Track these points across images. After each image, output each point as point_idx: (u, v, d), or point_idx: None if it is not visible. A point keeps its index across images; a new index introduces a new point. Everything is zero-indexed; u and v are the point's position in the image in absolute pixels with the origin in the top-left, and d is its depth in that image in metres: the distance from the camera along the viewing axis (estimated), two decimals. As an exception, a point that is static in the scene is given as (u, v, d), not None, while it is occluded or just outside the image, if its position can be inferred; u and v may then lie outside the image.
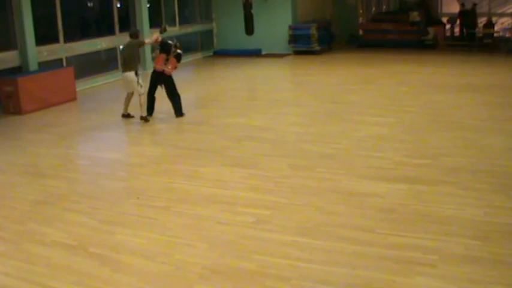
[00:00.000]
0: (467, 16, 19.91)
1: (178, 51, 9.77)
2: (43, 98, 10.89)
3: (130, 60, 9.49)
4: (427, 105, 10.11)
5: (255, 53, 17.77)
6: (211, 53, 18.51)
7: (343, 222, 5.19)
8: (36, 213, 5.76)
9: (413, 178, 6.25)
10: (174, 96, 9.65)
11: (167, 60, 9.54)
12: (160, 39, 9.79)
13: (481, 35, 19.38)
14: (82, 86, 12.76)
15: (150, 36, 9.68)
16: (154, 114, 9.83)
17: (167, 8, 16.49)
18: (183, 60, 17.12)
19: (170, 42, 9.75)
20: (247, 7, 15.09)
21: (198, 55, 18.14)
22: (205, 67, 16.65)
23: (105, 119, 10.12)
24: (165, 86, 9.55)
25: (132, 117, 9.68)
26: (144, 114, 9.48)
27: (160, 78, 9.54)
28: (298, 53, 17.65)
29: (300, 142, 7.99)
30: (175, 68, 9.70)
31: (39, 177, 6.93)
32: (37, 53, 11.55)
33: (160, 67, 9.54)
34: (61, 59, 12.54)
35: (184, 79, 15.13)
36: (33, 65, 11.37)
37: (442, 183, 6.08)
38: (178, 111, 9.69)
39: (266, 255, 4.59)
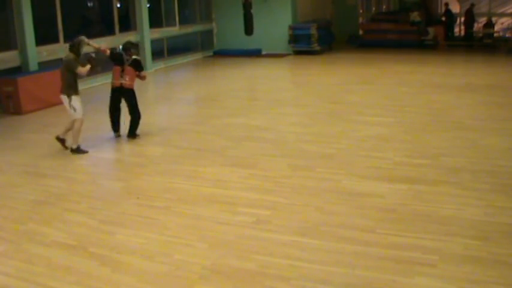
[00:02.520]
0: (451, 17, 20.06)
1: (134, 57, 8.44)
2: (43, 98, 10.88)
3: (62, 80, 7.84)
4: (427, 105, 10.11)
5: (255, 53, 17.77)
6: (211, 53, 18.52)
7: (343, 222, 5.19)
8: (36, 213, 5.76)
9: (413, 178, 6.25)
10: (133, 113, 8.47)
11: (123, 71, 8.28)
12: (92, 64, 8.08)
13: (480, 35, 19.43)
14: (82, 86, 12.74)
15: (84, 65, 7.86)
16: (154, 117, 9.83)
17: (167, 8, 16.49)
18: (183, 60, 17.34)
19: (119, 51, 8.27)
20: (247, 7, 15.09)
21: (198, 55, 18.15)
22: (205, 67, 16.66)
23: (105, 119, 10.10)
24: (125, 101, 8.44)
25: (64, 144, 7.98)
26: (75, 146, 7.81)
27: (121, 94, 8.40)
28: (298, 53, 17.65)
29: (300, 142, 7.98)
30: (137, 77, 8.45)
31: (39, 177, 6.93)
32: (37, 53, 11.56)
33: (116, 82, 8.35)
34: (61, 59, 12.52)
35: (184, 79, 15.16)
36: (33, 65, 11.38)
37: (442, 183, 6.08)
38: (131, 132, 8.45)
39: (266, 255, 4.59)
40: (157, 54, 15.96)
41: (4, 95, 10.62)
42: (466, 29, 19.98)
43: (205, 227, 5.23)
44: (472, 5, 19.86)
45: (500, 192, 5.75)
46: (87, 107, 11.37)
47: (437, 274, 4.19)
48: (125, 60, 8.32)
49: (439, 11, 22.73)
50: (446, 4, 20.36)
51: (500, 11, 24.04)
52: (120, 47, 8.37)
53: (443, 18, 20.47)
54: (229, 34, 18.31)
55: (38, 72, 11.30)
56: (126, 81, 8.29)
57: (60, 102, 10.14)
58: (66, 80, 7.72)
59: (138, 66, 8.44)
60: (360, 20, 22.00)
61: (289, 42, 17.66)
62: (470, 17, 19.67)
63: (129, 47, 8.46)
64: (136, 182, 6.65)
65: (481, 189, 5.84)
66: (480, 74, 13.87)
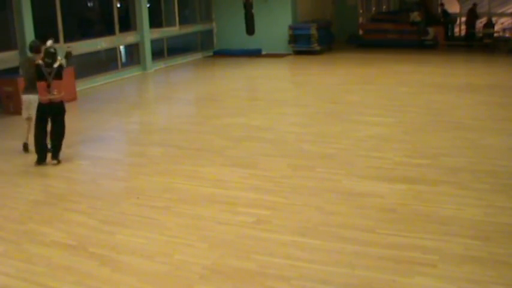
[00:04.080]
0: (447, 16, 20.10)
1: (57, 64, 7.15)
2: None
3: (33, 80, 7.42)
4: (427, 105, 10.11)
5: (255, 53, 17.77)
6: (211, 53, 18.52)
7: (343, 222, 5.19)
8: (36, 213, 5.77)
9: (413, 178, 6.25)
10: (60, 134, 7.31)
11: (49, 86, 7.14)
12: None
13: (480, 35, 19.43)
14: (82, 86, 12.76)
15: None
16: (154, 117, 9.79)
17: (167, 8, 16.50)
18: (183, 60, 17.33)
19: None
20: (248, 7, 15.09)
21: (198, 55, 18.14)
22: (205, 67, 16.66)
23: (105, 119, 10.12)
24: (55, 118, 7.25)
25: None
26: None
27: (51, 111, 7.22)
28: (298, 53, 17.64)
29: (300, 142, 7.99)
30: (62, 89, 7.25)
31: (39, 177, 6.93)
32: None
33: (44, 98, 7.15)
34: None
35: (184, 79, 15.17)
36: (33, 65, 11.36)
37: (442, 183, 6.08)
38: (55, 155, 7.28)
39: (266, 255, 4.59)
40: (157, 54, 15.97)
41: (4, 95, 10.62)
42: (467, 28, 19.94)
43: (205, 227, 5.23)
44: (475, 4, 19.83)
45: (500, 192, 5.75)
46: (86, 106, 11.41)
47: (437, 274, 4.19)
48: (46, 73, 7.14)
49: (439, 10, 22.71)
50: (442, 4, 20.39)
51: (500, 11, 24.02)
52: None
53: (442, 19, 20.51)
54: (229, 34, 18.31)
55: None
56: (54, 95, 7.20)
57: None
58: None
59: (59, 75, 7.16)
60: (360, 20, 21.98)
61: (289, 42, 17.65)
62: (472, 16, 19.64)
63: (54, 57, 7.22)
64: (136, 182, 6.64)
65: (481, 189, 5.84)
66: (480, 74, 13.86)
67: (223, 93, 12.57)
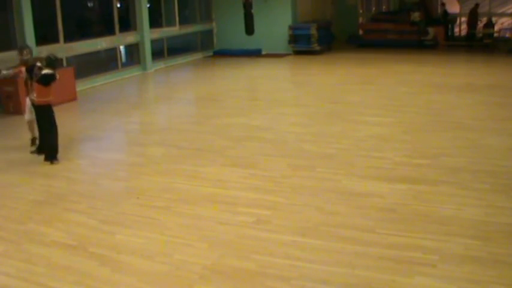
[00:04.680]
0: (446, 15, 20.16)
1: (44, 71, 7.22)
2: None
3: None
4: (427, 105, 10.11)
5: (255, 53, 17.77)
6: (211, 53, 18.52)
7: (343, 222, 5.19)
8: (36, 213, 5.76)
9: (413, 178, 6.25)
10: (48, 133, 7.43)
11: (31, 86, 7.52)
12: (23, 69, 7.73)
13: (480, 35, 19.44)
14: (82, 86, 12.77)
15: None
16: (154, 117, 9.79)
17: (167, 8, 16.50)
18: (183, 60, 17.34)
19: (38, 64, 7.35)
20: (248, 7, 15.10)
21: (198, 55, 18.15)
22: (205, 67, 16.66)
23: (105, 119, 10.12)
24: (40, 120, 7.52)
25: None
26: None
27: (36, 111, 7.49)
28: (298, 53, 17.65)
29: (300, 142, 7.99)
30: (45, 94, 7.29)
31: (39, 177, 6.93)
32: (37, 53, 11.53)
33: (31, 97, 7.56)
34: (61, 59, 12.54)
35: (184, 79, 15.16)
36: (33, 65, 11.36)
37: (442, 183, 6.08)
38: (47, 156, 7.41)
39: (266, 255, 4.60)
40: (157, 54, 15.97)
41: (4, 95, 10.63)
42: (469, 28, 19.94)
43: (205, 227, 5.23)
44: (477, 4, 19.82)
45: (500, 192, 5.75)
46: (86, 106, 11.41)
47: (437, 274, 4.19)
48: (34, 75, 7.34)
49: (440, 11, 22.73)
50: (443, 4, 20.41)
51: (500, 11, 24.02)
52: (38, 63, 7.39)
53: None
54: (229, 34, 18.31)
55: (38, 72, 11.28)
56: (34, 97, 7.43)
57: (60, 102, 10.13)
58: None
59: (44, 82, 7.25)
60: (360, 20, 21.99)
61: (289, 42, 17.66)
62: (474, 17, 19.63)
63: (41, 63, 7.37)
64: (136, 182, 6.65)
65: (481, 189, 5.84)
66: (480, 74, 13.87)
67: (223, 93, 12.57)
